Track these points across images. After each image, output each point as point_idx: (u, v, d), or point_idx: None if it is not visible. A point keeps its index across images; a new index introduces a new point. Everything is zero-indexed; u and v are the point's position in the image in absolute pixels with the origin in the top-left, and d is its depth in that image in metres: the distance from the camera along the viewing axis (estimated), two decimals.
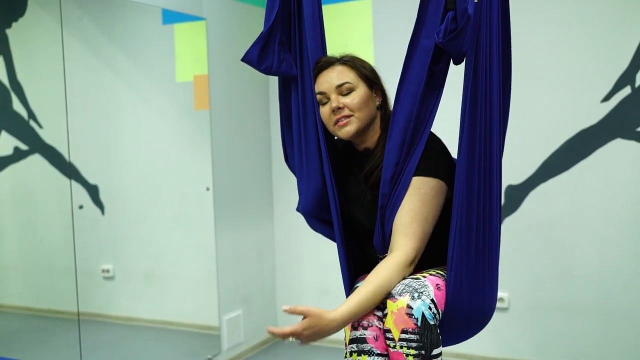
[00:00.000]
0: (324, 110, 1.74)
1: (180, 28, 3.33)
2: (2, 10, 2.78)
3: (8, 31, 2.77)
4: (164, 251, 3.42)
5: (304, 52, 1.79)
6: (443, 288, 1.59)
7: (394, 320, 1.50)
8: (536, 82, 3.12)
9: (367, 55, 3.45)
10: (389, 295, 1.55)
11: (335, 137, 1.85)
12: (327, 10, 3.54)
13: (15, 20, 2.77)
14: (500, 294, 3.24)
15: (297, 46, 1.81)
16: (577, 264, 3.10)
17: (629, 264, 2.99)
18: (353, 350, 1.58)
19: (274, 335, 1.50)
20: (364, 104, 1.71)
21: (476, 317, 1.68)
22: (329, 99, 1.73)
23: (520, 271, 3.22)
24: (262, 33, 1.78)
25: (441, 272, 1.66)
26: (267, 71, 1.80)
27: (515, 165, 3.17)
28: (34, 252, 2.96)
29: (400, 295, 1.52)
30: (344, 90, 1.71)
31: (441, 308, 1.56)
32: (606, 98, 2.98)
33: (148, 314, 3.35)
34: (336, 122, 1.72)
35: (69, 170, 2.77)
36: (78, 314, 2.78)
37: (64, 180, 2.79)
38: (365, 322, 1.58)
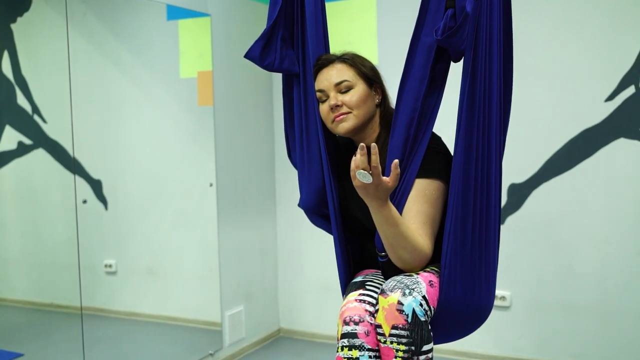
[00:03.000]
0: (323, 108, 1.75)
1: (184, 24, 3.33)
2: (7, 5, 2.78)
3: (13, 26, 2.77)
4: (166, 247, 3.42)
5: (307, 50, 1.80)
6: (436, 285, 1.59)
7: (385, 316, 1.51)
8: (540, 80, 3.12)
9: (371, 52, 3.46)
10: (380, 291, 1.55)
11: (338, 135, 1.85)
12: (331, 7, 3.55)
13: (20, 15, 2.77)
14: (501, 293, 3.24)
15: (300, 43, 1.83)
16: (578, 263, 3.10)
17: (631, 263, 2.99)
18: (344, 345, 1.57)
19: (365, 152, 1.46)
20: (362, 101, 1.73)
21: (471, 315, 1.67)
22: (328, 96, 1.74)
23: (522, 270, 3.22)
24: (265, 30, 1.79)
25: (435, 269, 1.66)
26: (270, 68, 1.82)
27: (518, 164, 3.17)
28: (37, 247, 2.97)
29: (391, 291, 1.52)
30: (342, 88, 1.73)
31: (433, 305, 1.56)
32: (610, 97, 2.98)
33: (150, 309, 3.36)
34: (334, 119, 1.73)
35: (72, 165, 2.78)
36: (81, 308, 2.79)
37: (68, 175, 2.80)
38: (356, 318, 1.58)
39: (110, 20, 3.08)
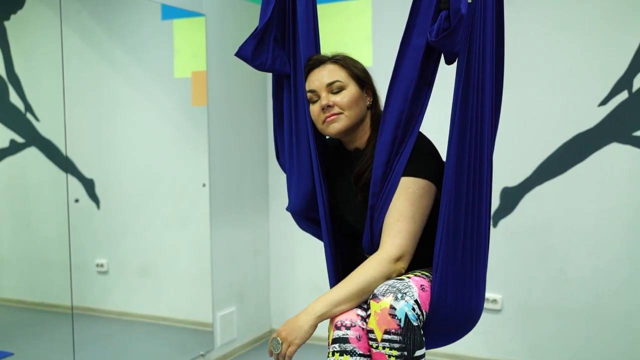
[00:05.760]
0: (314, 109, 1.74)
1: (179, 24, 3.32)
2: (1, 2, 2.77)
3: (6, 23, 2.76)
4: (158, 247, 3.41)
5: (297, 51, 1.79)
6: (428, 289, 1.58)
7: (377, 321, 1.49)
8: (534, 84, 3.13)
9: (365, 54, 3.46)
10: (372, 295, 1.54)
11: (327, 137, 1.84)
12: (326, 8, 3.55)
13: (14, 12, 2.76)
14: (493, 296, 3.25)
15: (291, 44, 1.81)
16: (570, 267, 3.11)
17: (622, 268, 3.00)
18: (335, 350, 1.55)
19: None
20: (354, 102, 1.72)
21: (462, 319, 1.66)
22: (319, 97, 1.73)
23: (514, 273, 3.22)
24: (257, 28, 1.77)
25: (426, 274, 1.65)
26: (261, 67, 1.80)
27: (511, 168, 3.18)
28: (28, 245, 2.96)
29: (383, 295, 1.50)
30: (334, 88, 1.72)
31: (425, 309, 1.55)
32: (603, 102, 2.99)
33: (142, 309, 3.35)
34: (325, 120, 1.72)
35: (65, 164, 2.77)
36: (72, 307, 2.78)
37: (60, 173, 2.79)
38: (348, 322, 1.57)
39: (104, 19, 3.07)
